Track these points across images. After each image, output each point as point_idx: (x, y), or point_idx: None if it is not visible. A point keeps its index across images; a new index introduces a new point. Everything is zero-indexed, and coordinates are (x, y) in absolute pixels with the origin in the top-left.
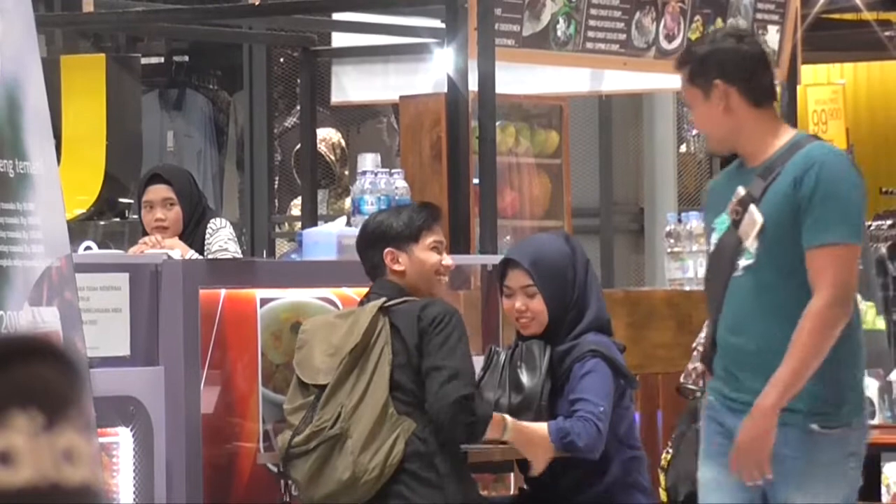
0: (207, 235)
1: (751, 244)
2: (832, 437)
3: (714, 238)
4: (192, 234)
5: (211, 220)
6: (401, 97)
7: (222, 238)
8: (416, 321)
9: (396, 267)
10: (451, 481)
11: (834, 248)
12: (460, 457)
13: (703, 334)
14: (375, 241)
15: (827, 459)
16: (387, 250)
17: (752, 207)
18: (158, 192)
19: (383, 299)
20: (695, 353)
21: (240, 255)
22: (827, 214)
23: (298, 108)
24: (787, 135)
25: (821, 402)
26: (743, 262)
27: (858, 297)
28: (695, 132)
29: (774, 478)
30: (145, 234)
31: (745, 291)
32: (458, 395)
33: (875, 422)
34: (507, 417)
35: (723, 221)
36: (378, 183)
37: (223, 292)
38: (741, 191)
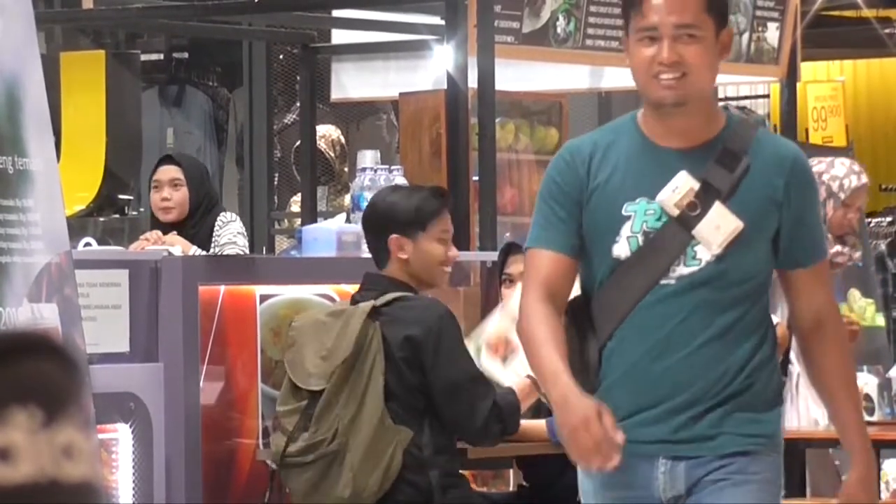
0: (217, 228)
1: (716, 249)
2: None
3: (631, 229)
4: (200, 223)
5: (221, 214)
6: (400, 94)
7: (232, 231)
8: (406, 336)
9: (401, 255)
10: (446, 483)
11: (826, 261)
12: (457, 459)
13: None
14: (383, 224)
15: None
16: (392, 237)
17: (720, 206)
18: (167, 171)
19: (371, 303)
20: None
21: (247, 251)
22: (819, 224)
23: (298, 104)
24: (720, 110)
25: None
26: (682, 270)
27: (857, 293)
28: None
29: None
30: (153, 216)
31: (681, 305)
32: (484, 415)
33: (874, 419)
34: (529, 377)
35: (646, 210)
36: (378, 179)
37: (223, 289)
38: (690, 180)
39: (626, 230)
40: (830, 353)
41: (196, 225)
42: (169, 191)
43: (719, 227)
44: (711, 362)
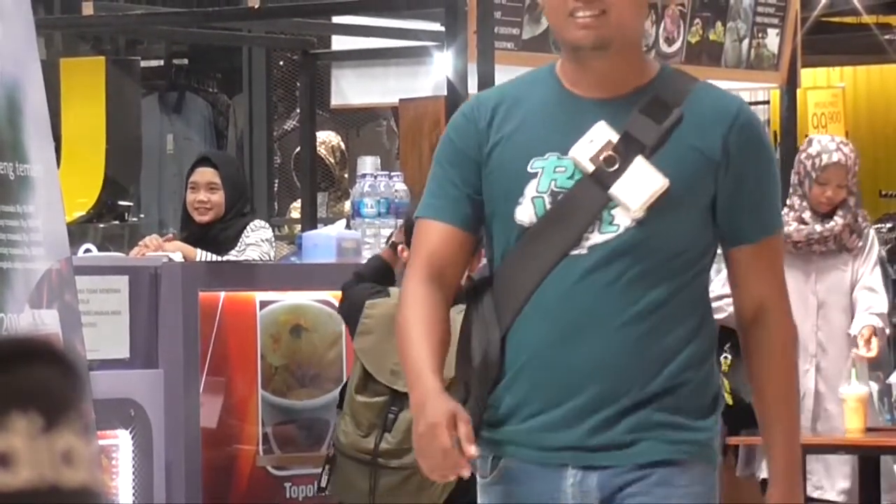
0: (247, 231)
1: (636, 213)
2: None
3: (537, 189)
4: (230, 225)
5: (255, 221)
6: (400, 100)
7: (260, 236)
8: None
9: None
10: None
11: (778, 239)
12: None
13: None
14: None
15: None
16: None
17: (643, 161)
18: (205, 175)
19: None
20: None
21: (270, 258)
22: (773, 193)
23: (298, 111)
24: (650, 61)
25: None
26: (597, 237)
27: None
28: None
29: None
30: (186, 213)
31: (594, 280)
32: None
33: (874, 424)
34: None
35: (556, 167)
36: (377, 186)
37: (222, 295)
38: (610, 131)
39: (530, 190)
40: (769, 355)
41: (226, 227)
42: (206, 194)
43: (640, 185)
44: (630, 351)
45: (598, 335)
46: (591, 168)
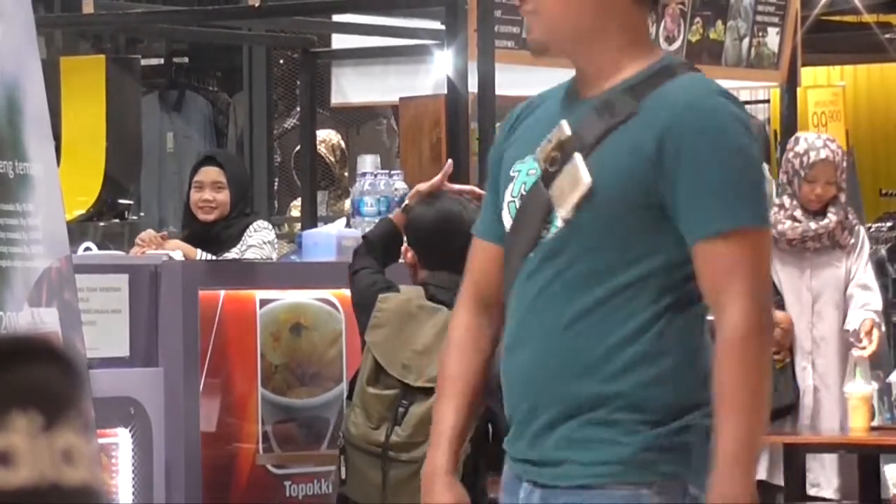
0: (249, 231)
1: (566, 213)
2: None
3: (511, 193)
4: (232, 224)
5: (258, 221)
6: (400, 99)
7: (262, 237)
8: None
9: None
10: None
11: (745, 235)
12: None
13: None
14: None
15: None
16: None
17: (578, 158)
18: (210, 174)
19: None
20: None
21: (272, 259)
22: (724, 184)
23: (298, 109)
24: (653, 55)
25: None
26: (544, 240)
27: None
28: None
29: None
30: (188, 212)
31: (534, 284)
32: None
33: (874, 424)
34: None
35: (529, 169)
36: (378, 184)
37: (222, 293)
38: (566, 130)
39: (507, 195)
40: (723, 357)
41: (229, 226)
42: (211, 193)
43: (570, 185)
44: (559, 359)
45: (531, 342)
46: (542, 168)
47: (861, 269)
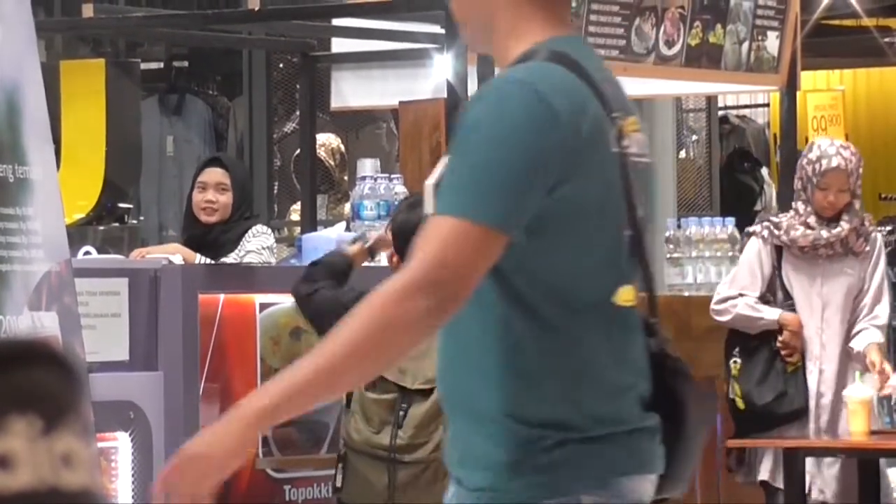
0: (248, 236)
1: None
2: None
3: None
4: (231, 228)
5: (257, 226)
6: (400, 103)
7: (261, 243)
8: None
9: None
10: None
11: (456, 222)
12: None
13: None
14: None
15: None
16: None
17: (445, 158)
18: (214, 175)
19: None
20: None
21: (271, 263)
22: (457, 170)
23: (298, 113)
24: (534, 38)
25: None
26: None
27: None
28: (694, 138)
29: None
30: (189, 213)
31: None
32: None
33: (874, 428)
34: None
35: None
36: (377, 188)
37: (222, 297)
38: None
39: None
40: (353, 313)
41: (227, 230)
42: (215, 194)
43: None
44: (441, 361)
45: (445, 365)
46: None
47: (876, 277)
